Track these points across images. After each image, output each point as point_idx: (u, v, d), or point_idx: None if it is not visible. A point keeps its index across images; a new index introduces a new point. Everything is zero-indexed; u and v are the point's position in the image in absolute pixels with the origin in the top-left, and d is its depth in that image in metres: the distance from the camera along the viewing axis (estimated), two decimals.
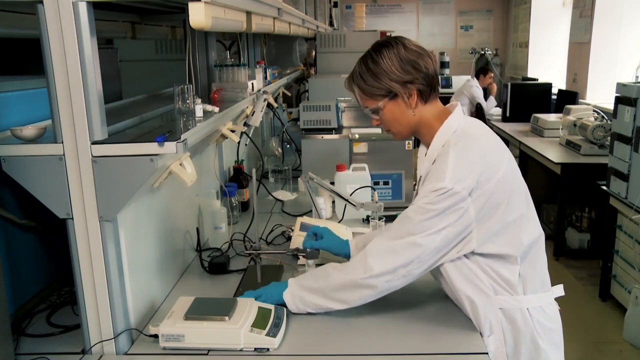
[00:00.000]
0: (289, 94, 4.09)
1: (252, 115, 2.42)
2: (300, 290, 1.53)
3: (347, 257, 1.77)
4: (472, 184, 1.36)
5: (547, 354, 1.48)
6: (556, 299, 1.56)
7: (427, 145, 1.52)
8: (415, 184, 2.55)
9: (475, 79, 6.73)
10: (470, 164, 1.39)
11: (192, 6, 1.25)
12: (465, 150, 1.41)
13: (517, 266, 1.45)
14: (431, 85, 1.46)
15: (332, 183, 2.33)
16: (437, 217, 1.37)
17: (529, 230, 1.47)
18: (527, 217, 1.47)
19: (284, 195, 2.75)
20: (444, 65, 8.60)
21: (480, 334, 1.46)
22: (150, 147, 1.30)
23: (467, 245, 1.42)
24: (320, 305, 1.51)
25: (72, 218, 1.34)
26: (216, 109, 1.82)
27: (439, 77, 1.47)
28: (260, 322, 1.42)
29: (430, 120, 1.49)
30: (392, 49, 1.44)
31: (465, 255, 1.45)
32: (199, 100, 1.72)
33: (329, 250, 1.79)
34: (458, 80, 7.90)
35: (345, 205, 2.27)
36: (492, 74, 6.80)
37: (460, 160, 1.39)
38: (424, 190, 1.40)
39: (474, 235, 1.41)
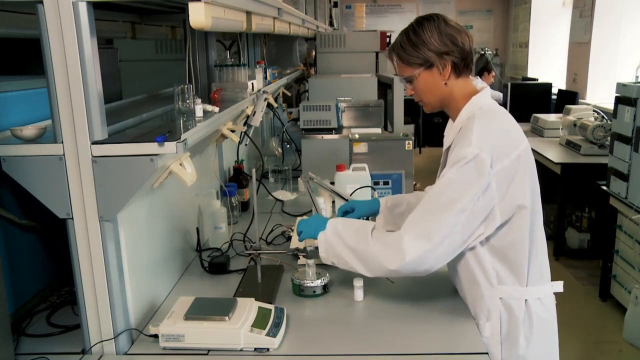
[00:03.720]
0: (289, 94, 4.09)
1: (252, 115, 2.42)
2: (337, 240, 1.56)
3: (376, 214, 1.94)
4: (494, 154, 1.42)
5: (539, 345, 1.52)
6: (556, 298, 1.59)
7: (454, 120, 1.58)
8: (415, 184, 2.54)
9: (478, 77, 6.74)
10: (493, 134, 1.46)
11: (192, 6, 1.25)
12: (489, 123, 1.48)
13: (525, 254, 1.49)
14: (465, 60, 1.53)
15: (332, 183, 2.33)
16: (466, 190, 1.41)
17: (536, 218, 1.52)
18: (537, 207, 1.52)
19: (284, 195, 2.75)
20: None
21: (478, 332, 1.47)
22: (150, 147, 1.30)
23: (492, 222, 1.45)
24: (348, 263, 1.54)
25: (72, 218, 1.34)
26: (216, 109, 1.82)
27: (474, 55, 1.56)
28: (260, 322, 1.42)
29: (459, 96, 1.55)
30: (433, 22, 1.52)
31: (480, 243, 1.49)
32: (199, 100, 1.72)
33: (361, 217, 1.93)
34: None
35: None
36: (494, 74, 6.79)
37: (484, 130, 1.45)
38: (452, 157, 1.46)
39: (497, 211, 1.44)
